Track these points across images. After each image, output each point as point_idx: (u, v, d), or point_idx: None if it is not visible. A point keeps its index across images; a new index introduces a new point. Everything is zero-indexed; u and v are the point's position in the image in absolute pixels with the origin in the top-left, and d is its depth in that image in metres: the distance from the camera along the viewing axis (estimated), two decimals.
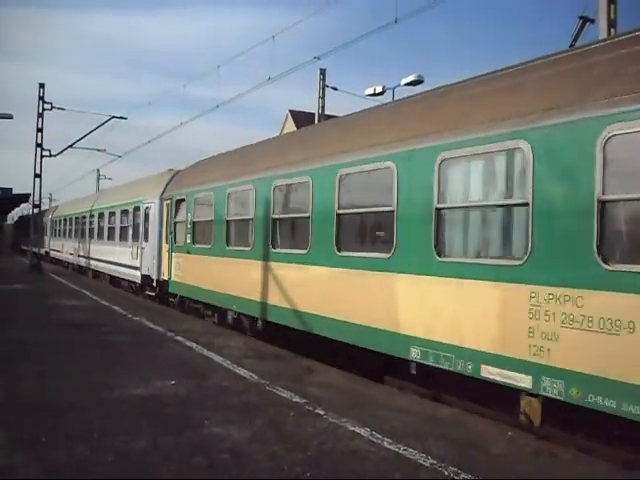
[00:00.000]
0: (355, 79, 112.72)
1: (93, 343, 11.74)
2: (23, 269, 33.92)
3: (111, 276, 27.62)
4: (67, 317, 15.21)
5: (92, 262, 31.59)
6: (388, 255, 9.13)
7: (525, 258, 7.02)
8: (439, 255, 8.22)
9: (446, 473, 5.62)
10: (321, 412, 7.45)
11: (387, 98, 25.71)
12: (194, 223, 17.20)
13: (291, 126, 49.73)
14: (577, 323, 6.41)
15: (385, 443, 6.38)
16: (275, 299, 12.40)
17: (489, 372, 7.37)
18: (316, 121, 26.30)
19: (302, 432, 6.68)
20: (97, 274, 30.89)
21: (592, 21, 15.26)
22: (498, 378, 7.25)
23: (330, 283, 10.67)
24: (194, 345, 11.78)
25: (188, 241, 17.57)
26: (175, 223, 18.86)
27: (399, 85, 25.49)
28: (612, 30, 13.16)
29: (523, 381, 6.98)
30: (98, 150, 38.68)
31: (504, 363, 7.20)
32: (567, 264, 6.60)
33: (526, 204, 7.07)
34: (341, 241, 10.36)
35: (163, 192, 20.60)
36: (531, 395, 7.03)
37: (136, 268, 22.83)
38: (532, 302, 6.88)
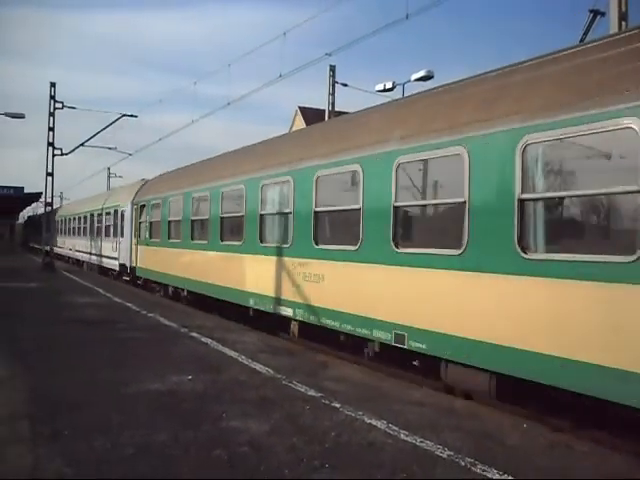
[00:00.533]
0: (366, 75, 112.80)
1: (109, 339, 11.86)
2: (36, 267, 34.18)
3: (99, 266, 33.00)
4: (82, 314, 15.35)
5: (86, 256, 37.17)
6: (240, 243, 14.59)
7: (290, 243, 12.27)
8: (261, 242, 13.62)
9: (463, 464, 5.69)
10: (337, 405, 7.54)
11: (397, 94, 25.76)
12: (150, 223, 23.09)
13: (301, 122, 49.79)
14: (307, 277, 11.62)
15: (402, 435, 6.46)
16: (193, 275, 18.17)
17: (281, 310, 12.62)
18: (326, 117, 26.34)
19: (319, 425, 6.76)
20: (91, 266, 35.54)
21: (603, 14, 15.25)
22: (284, 313, 12.51)
23: (217, 262, 16.29)
24: (209, 341, 11.88)
25: (147, 236, 23.44)
26: (140, 223, 24.55)
27: (409, 81, 25.46)
28: (623, 24, 13.15)
29: (289, 312, 12.25)
30: (109, 148, 38.87)
31: (285, 303, 12.49)
32: (303, 246, 11.74)
33: (290, 213, 12.35)
34: (223, 235, 15.92)
35: (134, 198, 25.90)
36: (294, 320, 12.19)
37: (115, 258, 28.80)
38: (293, 267, 12.10)
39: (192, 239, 18.22)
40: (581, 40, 14.99)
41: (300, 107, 53.91)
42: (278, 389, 8.32)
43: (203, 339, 12.10)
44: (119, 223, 28.08)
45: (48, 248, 35.89)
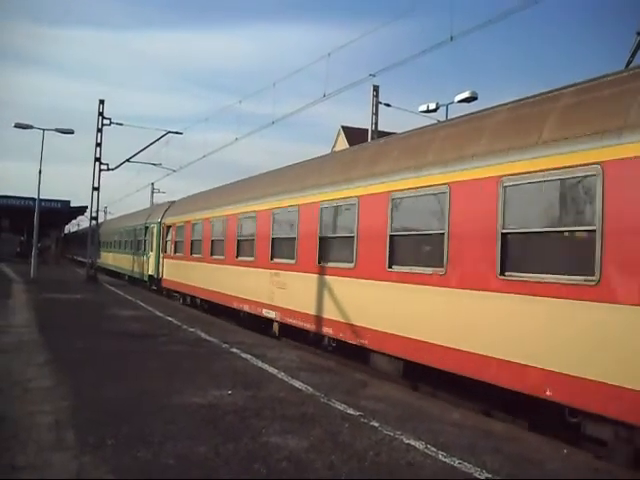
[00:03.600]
0: (409, 96, 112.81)
1: (151, 352, 12.09)
2: (80, 279, 34.90)
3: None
4: (125, 327, 15.67)
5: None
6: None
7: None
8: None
9: None
10: (376, 424, 7.56)
11: (441, 114, 25.74)
12: (100, 241, 45.24)
13: (343, 142, 49.96)
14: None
15: (440, 456, 6.45)
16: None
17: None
18: (369, 137, 26.45)
19: (358, 443, 6.79)
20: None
21: None
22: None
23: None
24: (249, 357, 11.99)
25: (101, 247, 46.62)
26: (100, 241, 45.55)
27: (453, 102, 25.46)
28: None
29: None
30: (154, 164, 39.46)
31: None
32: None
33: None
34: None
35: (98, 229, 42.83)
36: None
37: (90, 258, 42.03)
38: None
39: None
40: (627, 63, 14.83)
41: (343, 127, 54.11)
42: (317, 406, 8.36)
43: (243, 355, 12.21)
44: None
45: (91, 261, 36.51)
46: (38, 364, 10.37)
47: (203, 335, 14.86)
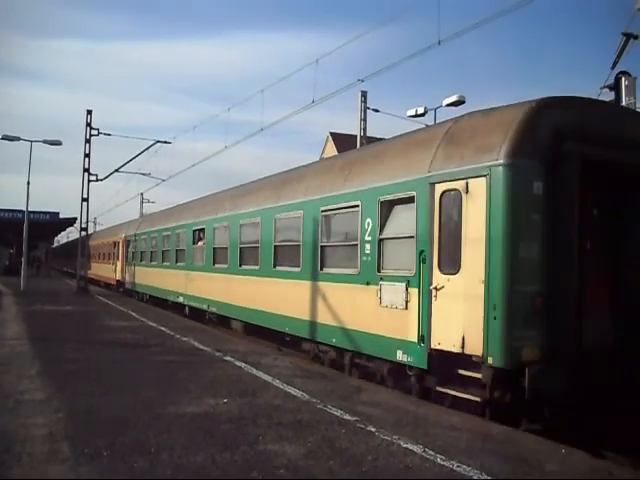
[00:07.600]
0: (398, 100, 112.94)
1: (145, 362, 12.01)
2: (71, 291, 34.72)
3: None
4: (118, 337, 15.56)
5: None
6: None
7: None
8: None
9: None
10: (372, 429, 7.52)
11: (429, 119, 25.77)
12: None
13: (332, 148, 50.02)
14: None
15: (438, 459, 6.43)
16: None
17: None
18: (357, 143, 26.48)
19: (355, 449, 6.76)
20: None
21: (636, 37, 15.18)
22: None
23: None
24: (243, 364, 11.93)
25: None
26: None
27: (441, 106, 25.48)
28: None
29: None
30: (143, 174, 39.32)
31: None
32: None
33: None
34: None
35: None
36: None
37: None
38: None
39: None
40: (614, 64, 14.91)
41: (331, 133, 54.19)
42: (313, 413, 8.32)
43: (237, 363, 12.15)
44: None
45: (82, 272, 36.30)
46: (30, 376, 10.28)
47: (196, 344, 14.78)
